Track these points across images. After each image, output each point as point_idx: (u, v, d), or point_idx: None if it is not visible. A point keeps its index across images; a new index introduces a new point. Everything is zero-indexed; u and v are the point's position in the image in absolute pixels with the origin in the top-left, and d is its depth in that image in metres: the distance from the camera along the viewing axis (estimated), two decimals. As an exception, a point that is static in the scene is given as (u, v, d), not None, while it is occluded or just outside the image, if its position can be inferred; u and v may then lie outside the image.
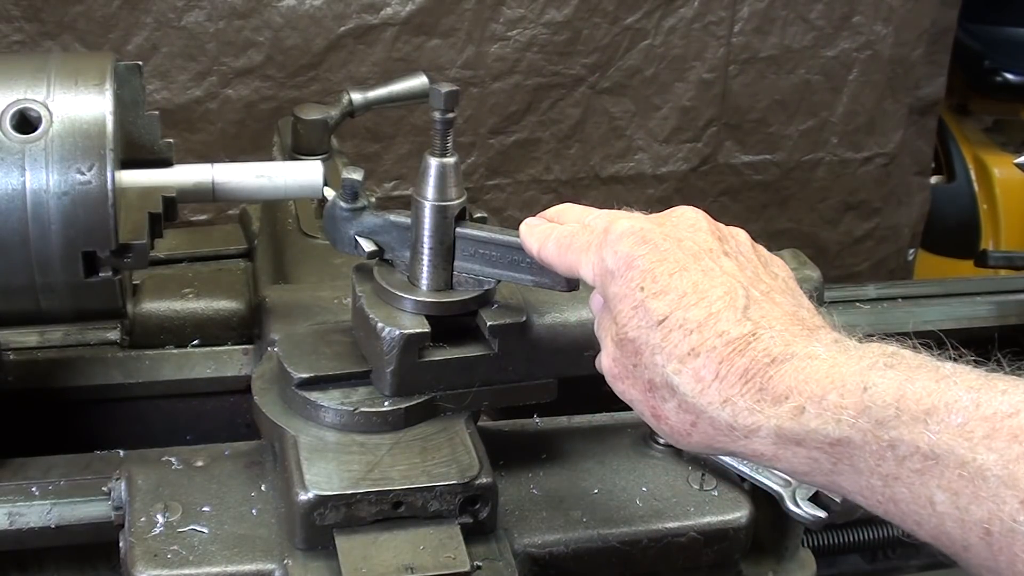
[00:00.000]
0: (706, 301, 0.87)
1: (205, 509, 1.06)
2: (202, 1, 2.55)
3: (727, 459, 1.16)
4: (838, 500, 1.11)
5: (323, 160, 1.55)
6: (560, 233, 1.02)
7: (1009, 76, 3.54)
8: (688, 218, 0.96)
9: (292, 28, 2.62)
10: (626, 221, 0.95)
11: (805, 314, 0.89)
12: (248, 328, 1.44)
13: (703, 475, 1.18)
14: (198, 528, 1.04)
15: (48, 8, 2.47)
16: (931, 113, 3.31)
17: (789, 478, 1.13)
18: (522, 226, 1.06)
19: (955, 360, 0.80)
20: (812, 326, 0.87)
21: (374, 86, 1.71)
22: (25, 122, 1.08)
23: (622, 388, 0.93)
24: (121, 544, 1.04)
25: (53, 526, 1.15)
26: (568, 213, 1.07)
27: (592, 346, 1.12)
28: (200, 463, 1.12)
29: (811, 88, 3.10)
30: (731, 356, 0.84)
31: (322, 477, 1.01)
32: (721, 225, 0.98)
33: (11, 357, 1.38)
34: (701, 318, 0.86)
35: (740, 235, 0.98)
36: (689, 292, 0.88)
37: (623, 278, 0.91)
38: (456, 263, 1.09)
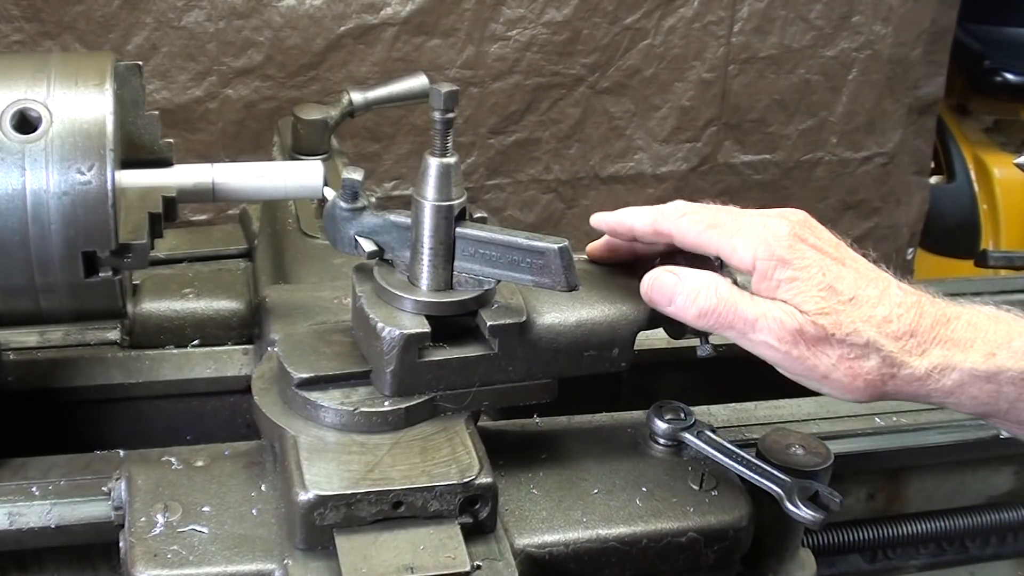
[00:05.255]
0: (873, 281, 1.08)
1: (205, 509, 1.06)
2: (202, 1, 2.55)
3: (727, 459, 1.16)
4: (838, 500, 1.11)
5: (323, 160, 1.55)
6: (696, 213, 1.12)
7: (1009, 76, 3.55)
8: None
9: (292, 28, 2.62)
10: (784, 221, 1.09)
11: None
12: (248, 328, 1.44)
13: (703, 475, 1.17)
14: (198, 528, 1.04)
15: (48, 8, 2.47)
16: (930, 113, 3.31)
17: (789, 478, 1.13)
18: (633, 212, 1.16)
19: None
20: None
21: (374, 86, 1.71)
22: (25, 122, 1.07)
23: (805, 354, 1.05)
24: (121, 544, 1.04)
25: (53, 526, 1.15)
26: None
27: (592, 346, 1.12)
28: (200, 463, 1.12)
29: (811, 88, 3.10)
30: (916, 318, 1.06)
31: (322, 477, 1.01)
32: (797, 223, 1.11)
33: (11, 357, 1.38)
34: (878, 294, 1.07)
35: (814, 227, 1.12)
36: (856, 276, 1.08)
37: (802, 268, 1.06)
38: (456, 263, 1.09)
